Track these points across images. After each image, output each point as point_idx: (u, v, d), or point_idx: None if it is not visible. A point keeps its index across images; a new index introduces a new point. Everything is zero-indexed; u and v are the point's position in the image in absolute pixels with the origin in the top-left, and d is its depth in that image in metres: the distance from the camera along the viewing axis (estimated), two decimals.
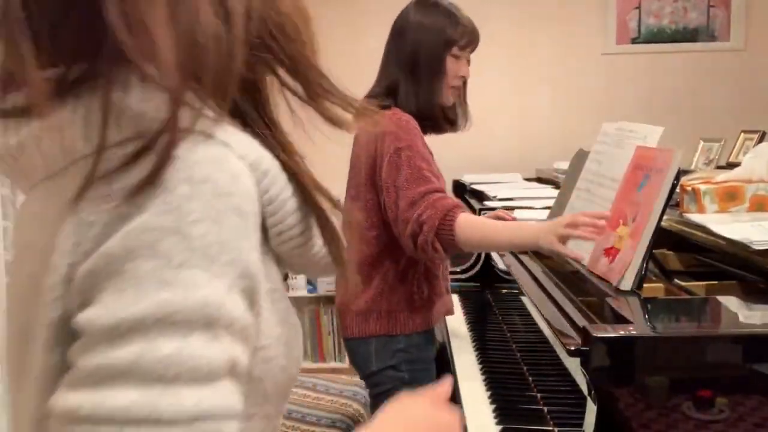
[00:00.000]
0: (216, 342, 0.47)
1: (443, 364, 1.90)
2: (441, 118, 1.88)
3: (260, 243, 0.54)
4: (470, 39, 1.83)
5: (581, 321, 1.17)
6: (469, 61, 1.89)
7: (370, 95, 1.84)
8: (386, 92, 1.80)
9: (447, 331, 2.01)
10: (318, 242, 0.62)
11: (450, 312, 1.95)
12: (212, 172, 0.49)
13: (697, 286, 1.40)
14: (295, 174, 0.58)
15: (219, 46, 0.51)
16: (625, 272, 1.24)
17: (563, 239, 1.44)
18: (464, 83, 1.94)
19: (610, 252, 1.32)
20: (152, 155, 0.47)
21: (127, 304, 0.46)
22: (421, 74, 1.78)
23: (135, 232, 0.47)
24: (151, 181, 0.47)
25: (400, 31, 1.82)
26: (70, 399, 0.46)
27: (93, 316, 0.46)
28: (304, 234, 0.60)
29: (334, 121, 0.59)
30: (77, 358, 0.47)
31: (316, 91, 0.60)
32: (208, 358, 0.47)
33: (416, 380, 1.77)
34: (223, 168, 0.50)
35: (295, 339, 0.62)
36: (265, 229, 0.56)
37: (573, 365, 1.31)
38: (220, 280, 0.48)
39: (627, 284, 1.24)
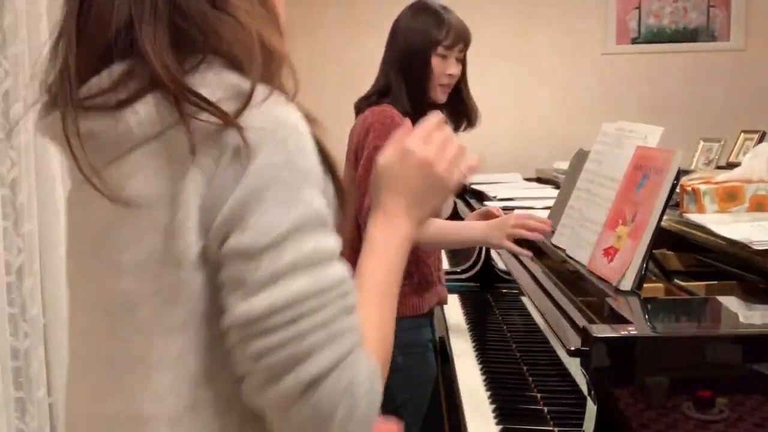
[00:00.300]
0: (329, 235, 0.68)
1: (443, 363, 1.90)
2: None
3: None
4: (456, 38, 1.89)
5: (581, 321, 1.17)
6: (460, 60, 1.93)
7: (368, 94, 1.91)
8: (382, 91, 1.90)
9: (447, 330, 2.02)
10: (330, 191, 0.74)
11: (443, 302, 2.00)
12: (293, 120, 0.67)
13: (697, 286, 1.40)
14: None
15: (276, 47, 0.71)
16: (625, 272, 1.24)
17: (510, 237, 1.65)
18: (464, 80, 1.98)
19: (609, 252, 1.32)
20: (253, 113, 0.65)
21: (278, 222, 0.64)
22: (410, 74, 1.87)
23: (262, 169, 0.64)
24: (269, 127, 0.65)
25: (392, 34, 1.93)
26: (259, 301, 0.63)
27: (252, 237, 0.64)
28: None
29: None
30: (247, 273, 0.64)
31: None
32: (331, 245, 0.67)
33: (409, 363, 1.82)
34: (297, 117, 0.68)
35: None
36: None
37: (573, 365, 1.32)
38: (317, 194, 0.68)
39: (627, 284, 1.24)
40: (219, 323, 0.66)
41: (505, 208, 2.19)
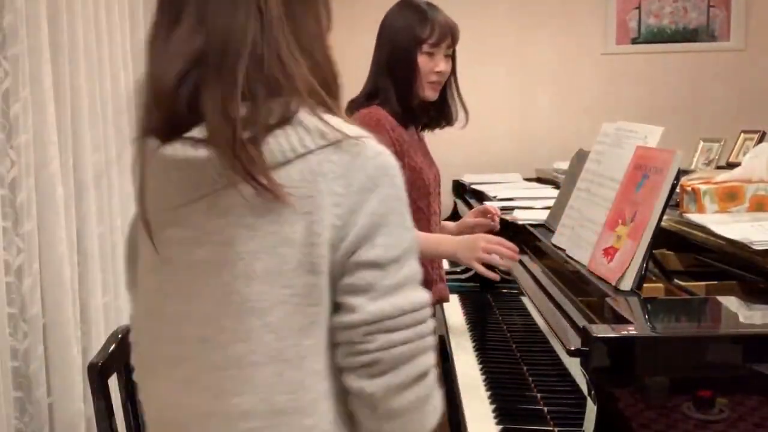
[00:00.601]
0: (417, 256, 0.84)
1: (443, 363, 1.90)
2: (424, 113, 1.96)
3: None
4: (442, 35, 1.87)
5: (581, 321, 1.17)
6: (449, 56, 1.92)
7: (359, 95, 1.91)
8: (371, 93, 1.90)
9: (447, 330, 2.01)
10: None
11: (444, 299, 2.00)
12: (393, 161, 0.84)
13: (697, 286, 1.40)
14: None
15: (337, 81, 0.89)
16: (625, 272, 1.24)
17: (479, 260, 1.66)
18: (454, 77, 1.97)
19: (609, 252, 1.32)
20: (370, 152, 0.82)
21: (400, 242, 0.81)
22: (397, 73, 1.87)
23: (384, 199, 0.80)
24: (382, 165, 0.82)
25: (379, 34, 1.93)
26: (388, 304, 0.79)
27: (380, 252, 0.79)
28: None
29: None
30: (376, 280, 0.79)
31: None
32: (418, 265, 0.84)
33: None
34: (392, 157, 0.84)
35: None
36: None
37: (573, 365, 1.31)
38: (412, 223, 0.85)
39: (627, 284, 1.23)
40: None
41: (504, 208, 2.19)
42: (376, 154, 0.82)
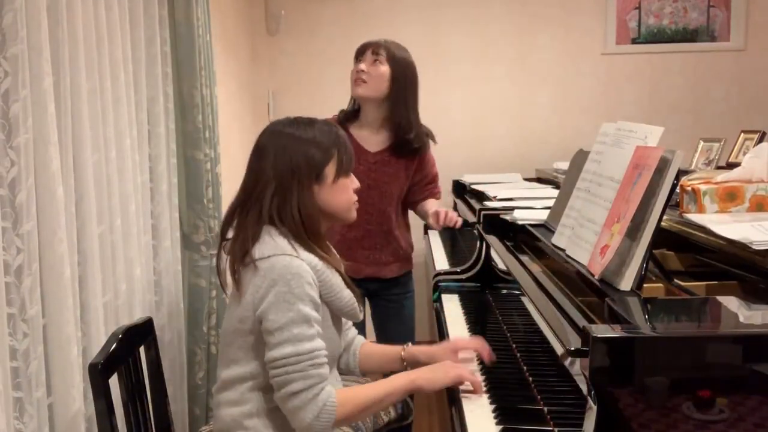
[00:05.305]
0: (310, 327, 1.46)
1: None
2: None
3: (318, 297, 1.50)
4: (357, 52, 2.32)
5: (581, 321, 1.17)
6: (376, 60, 2.25)
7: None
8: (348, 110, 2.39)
9: (447, 330, 2.01)
10: (346, 295, 1.57)
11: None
12: (297, 269, 1.47)
13: (697, 286, 1.40)
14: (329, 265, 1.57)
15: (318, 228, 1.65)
16: (610, 265, 1.24)
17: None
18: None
19: (604, 250, 1.32)
20: (281, 262, 1.49)
21: (282, 318, 1.45)
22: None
23: (277, 293, 1.46)
24: (281, 276, 1.47)
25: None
26: (282, 350, 1.44)
27: (272, 322, 1.45)
28: (336, 294, 1.56)
29: None
30: (269, 340, 1.46)
31: None
32: (310, 332, 1.46)
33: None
34: (301, 267, 1.48)
35: (332, 339, 1.57)
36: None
37: (573, 365, 1.31)
38: (306, 306, 1.46)
39: (627, 284, 1.23)
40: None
41: (504, 208, 2.18)
42: (281, 266, 1.45)
